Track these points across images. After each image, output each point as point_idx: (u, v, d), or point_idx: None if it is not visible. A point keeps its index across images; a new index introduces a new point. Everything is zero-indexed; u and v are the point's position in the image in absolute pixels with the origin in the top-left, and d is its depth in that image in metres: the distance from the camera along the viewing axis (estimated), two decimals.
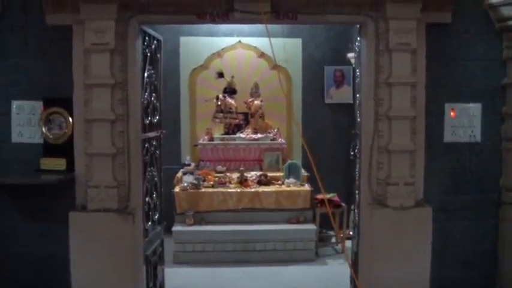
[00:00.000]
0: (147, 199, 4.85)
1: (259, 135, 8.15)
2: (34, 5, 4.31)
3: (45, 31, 4.44)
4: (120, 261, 4.37)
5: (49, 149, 4.56)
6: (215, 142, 8.10)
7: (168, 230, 6.37)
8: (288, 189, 7.36)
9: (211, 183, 7.42)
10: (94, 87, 4.31)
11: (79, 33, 4.31)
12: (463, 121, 4.78)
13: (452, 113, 4.76)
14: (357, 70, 4.94)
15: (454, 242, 4.82)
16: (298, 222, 7.16)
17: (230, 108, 8.19)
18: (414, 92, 4.44)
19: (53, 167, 4.50)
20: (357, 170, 4.92)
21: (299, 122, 8.23)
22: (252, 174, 7.66)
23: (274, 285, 6.23)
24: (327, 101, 8.49)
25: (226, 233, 6.96)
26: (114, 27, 4.24)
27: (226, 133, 8.28)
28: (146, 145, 4.81)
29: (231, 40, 8.37)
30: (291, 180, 7.49)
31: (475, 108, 4.79)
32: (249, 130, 8.30)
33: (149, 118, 4.90)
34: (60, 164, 4.50)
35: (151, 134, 4.93)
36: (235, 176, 7.59)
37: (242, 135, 8.21)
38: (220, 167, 7.91)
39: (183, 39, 8.33)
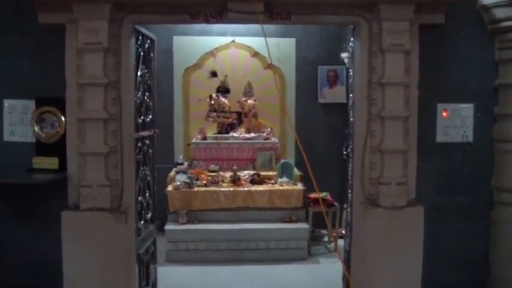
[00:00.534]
0: (139, 198, 4.84)
1: (252, 135, 8.16)
2: (27, 4, 4.28)
3: (38, 30, 4.41)
4: (112, 261, 4.37)
5: (41, 148, 4.54)
6: (208, 141, 8.11)
7: (161, 229, 6.39)
8: (281, 188, 7.38)
9: (204, 182, 7.42)
10: (87, 87, 4.29)
11: (72, 32, 4.30)
12: (456, 121, 4.80)
13: (444, 114, 4.78)
14: (350, 70, 4.95)
15: (446, 242, 4.84)
16: (290, 221, 7.18)
17: (223, 108, 8.20)
18: (407, 93, 4.45)
19: (45, 166, 4.48)
20: (349, 169, 4.94)
21: (292, 119, 8.22)
22: (245, 174, 7.67)
23: (267, 284, 6.25)
24: (320, 100, 8.51)
25: (219, 232, 6.97)
26: (108, 27, 4.21)
27: (220, 132, 8.28)
28: (139, 144, 4.80)
29: (225, 39, 8.37)
30: (284, 179, 7.51)
31: (467, 109, 4.81)
32: (242, 129, 8.31)
33: (142, 117, 4.90)
34: (52, 163, 4.49)
35: (144, 133, 4.93)
36: (228, 175, 7.60)
37: (235, 135, 8.22)
38: (213, 166, 7.93)
39: (177, 39, 8.32)
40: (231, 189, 7.29)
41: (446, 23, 4.52)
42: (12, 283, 4.62)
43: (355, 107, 4.72)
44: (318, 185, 4.55)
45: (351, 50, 4.91)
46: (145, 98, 4.98)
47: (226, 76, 8.29)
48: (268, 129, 8.32)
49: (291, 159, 8.07)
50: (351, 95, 4.96)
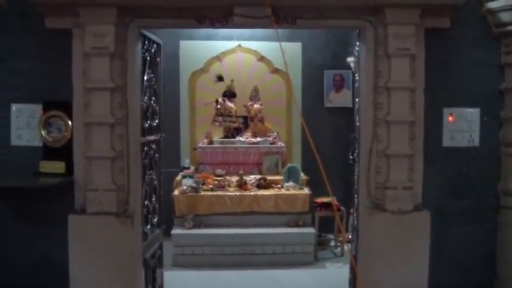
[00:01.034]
0: (146, 202, 4.86)
1: (258, 139, 8.16)
2: (34, 8, 4.31)
3: (45, 35, 4.45)
4: (119, 265, 4.38)
5: (48, 152, 4.56)
6: (214, 145, 8.11)
7: (167, 233, 6.39)
8: (287, 192, 7.36)
9: (211, 186, 7.42)
10: (93, 91, 4.32)
11: (79, 37, 4.33)
12: (462, 126, 4.80)
13: (450, 118, 4.77)
14: (356, 75, 4.95)
15: (451, 245, 4.82)
16: (297, 225, 7.16)
17: (230, 112, 8.20)
18: (413, 97, 4.46)
19: (52, 170, 4.51)
20: (355, 174, 4.93)
21: (299, 123, 8.21)
22: (251, 178, 7.67)
23: None
24: (327, 105, 8.50)
25: (225, 237, 6.96)
26: (114, 31, 4.25)
27: (226, 136, 8.28)
28: (145, 148, 4.82)
29: (231, 44, 8.37)
30: (290, 183, 7.50)
31: (473, 113, 4.80)
32: (249, 134, 8.30)
33: (148, 122, 4.91)
34: (59, 167, 4.51)
35: (150, 138, 4.94)
36: (234, 179, 7.60)
37: (241, 139, 8.21)
38: (219, 170, 7.92)
39: (183, 43, 8.33)
40: (237, 193, 7.28)
41: (452, 27, 4.52)
42: (19, 285, 4.64)
43: (361, 111, 4.72)
44: (325, 189, 4.54)
45: (356, 54, 4.92)
46: (152, 102, 5.00)
47: (232, 80, 8.29)
48: (275, 134, 8.31)
49: (297, 164, 8.05)
50: (356, 100, 4.96)
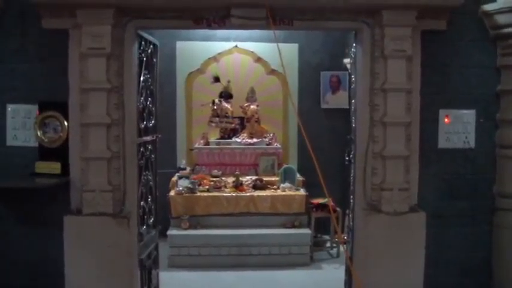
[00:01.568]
0: (142, 203, 4.85)
1: (254, 140, 8.16)
2: (31, 9, 4.31)
3: (42, 35, 4.44)
4: (114, 265, 4.37)
5: (44, 152, 4.55)
6: (211, 146, 8.11)
7: (163, 234, 6.38)
8: (284, 193, 7.36)
9: (207, 187, 7.41)
10: (90, 92, 4.32)
11: (75, 37, 4.33)
12: (458, 127, 4.81)
13: (446, 119, 4.78)
14: (353, 76, 4.96)
15: (447, 247, 4.83)
16: (293, 226, 7.17)
17: (226, 113, 8.20)
18: (409, 98, 4.47)
19: (48, 171, 4.49)
20: (351, 175, 4.94)
21: (295, 124, 8.21)
22: (248, 179, 7.67)
23: None
24: (323, 106, 8.50)
25: (221, 237, 6.96)
26: (111, 32, 4.24)
27: (222, 137, 8.28)
28: (142, 149, 4.82)
29: (228, 45, 8.37)
30: (287, 184, 7.50)
31: (469, 115, 4.82)
32: (245, 135, 8.30)
33: (145, 122, 4.91)
34: (55, 167, 4.50)
35: (146, 138, 4.94)
36: (230, 180, 7.60)
37: (238, 140, 8.21)
38: (215, 171, 7.92)
39: (180, 44, 8.33)
40: (234, 194, 7.28)
41: (449, 29, 4.54)
42: (14, 286, 4.62)
43: (357, 112, 4.73)
44: (321, 191, 4.54)
45: (353, 56, 4.92)
46: (148, 103, 5.00)
47: (229, 81, 8.29)
48: (271, 135, 8.31)
49: (293, 165, 8.05)
50: (353, 101, 4.96)
